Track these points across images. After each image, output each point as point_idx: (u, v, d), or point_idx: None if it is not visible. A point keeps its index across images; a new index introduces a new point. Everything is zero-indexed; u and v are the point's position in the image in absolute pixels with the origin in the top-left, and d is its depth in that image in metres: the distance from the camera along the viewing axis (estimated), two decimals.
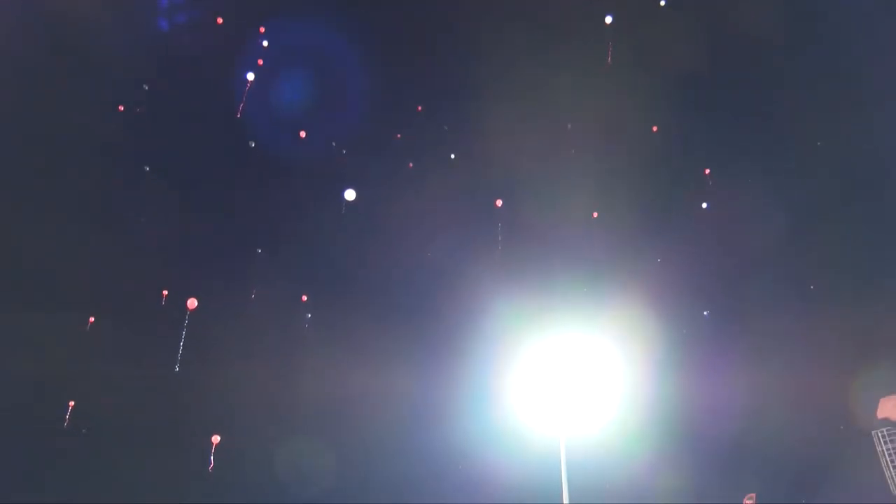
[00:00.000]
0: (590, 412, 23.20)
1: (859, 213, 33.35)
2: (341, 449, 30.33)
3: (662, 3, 33.31)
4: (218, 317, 30.06)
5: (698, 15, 33.40)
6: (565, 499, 21.22)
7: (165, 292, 29.20)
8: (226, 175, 34.60)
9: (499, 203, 33.88)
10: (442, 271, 33.83)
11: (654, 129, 33.45)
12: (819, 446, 29.75)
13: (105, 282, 29.21)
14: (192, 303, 28.51)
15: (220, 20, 31.65)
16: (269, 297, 32.49)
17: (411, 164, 34.94)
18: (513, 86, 34.35)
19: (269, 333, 32.64)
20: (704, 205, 34.01)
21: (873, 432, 29.49)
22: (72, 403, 26.62)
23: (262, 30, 32.42)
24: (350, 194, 31.62)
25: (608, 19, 31.73)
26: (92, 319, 27.86)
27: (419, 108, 35.45)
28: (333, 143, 34.83)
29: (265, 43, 32.33)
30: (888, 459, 28.82)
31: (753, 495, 29.55)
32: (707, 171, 34.32)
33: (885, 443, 29.14)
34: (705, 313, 34.72)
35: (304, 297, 33.36)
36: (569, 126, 34.48)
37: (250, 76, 31.15)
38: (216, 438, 27.82)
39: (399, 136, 35.61)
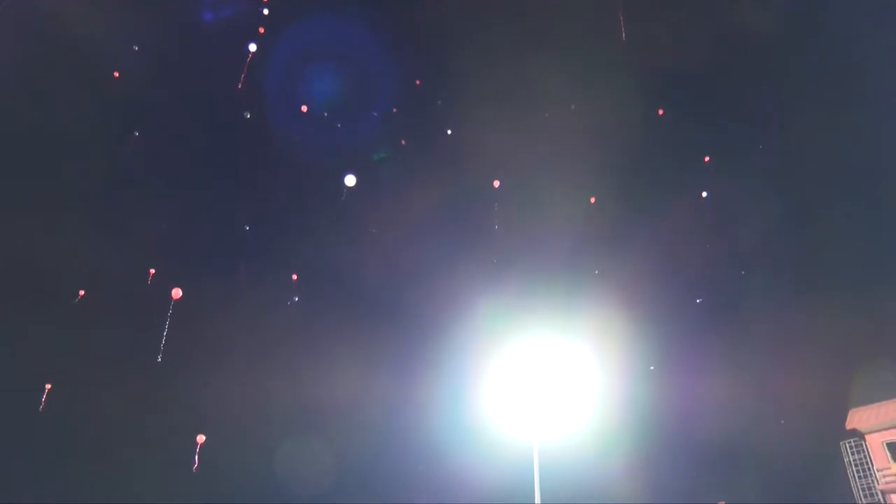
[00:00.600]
0: (563, 415, 23.62)
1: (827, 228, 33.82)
2: (313, 452, 30.37)
3: None
4: (200, 309, 29.84)
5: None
6: (537, 499, 21.65)
7: (153, 271, 28.39)
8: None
9: (496, 184, 32.34)
10: (417, 274, 33.85)
11: (660, 112, 32.78)
12: (791, 455, 30.44)
13: (89, 270, 28.95)
14: (177, 292, 27.66)
15: None
16: (245, 296, 32.39)
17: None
18: (496, 91, 34.25)
19: (239, 340, 32.37)
20: (705, 193, 33.18)
21: (841, 443, 30.14)
22: (48, 386, 25.98)
23: None
24: (350, 180, 29.91)
25: None
26: (81, 293, 27.20)
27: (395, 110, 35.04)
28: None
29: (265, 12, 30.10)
30: (854, 470, 29.47)
31: (723, 503, 30.18)
32: (707, 158, 33.73)
33: (853, 453, 29.79)
34: (698, 300, 34.82)
35: (294, 276, 32.68)
36: (547, 128, 34.28)
37: (252, 47, 29.01)
38: (201, 438, 27.45)
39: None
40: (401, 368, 32.41)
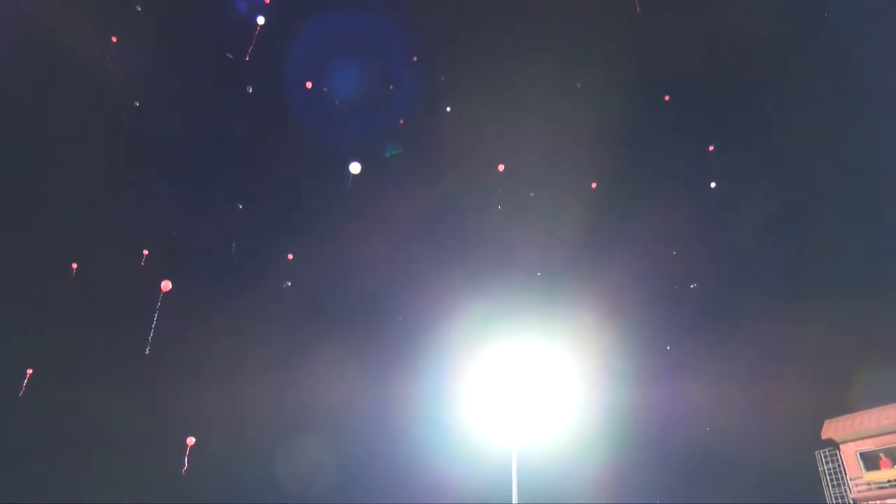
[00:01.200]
0: (542, 419, 24.05)
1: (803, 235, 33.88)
2: (293, 455, 30.47)
3: None
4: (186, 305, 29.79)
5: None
6: (515, 500, 22.07)
7: (146, 252, 28.32)
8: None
9: (501, 168, 32.22)
10: (397, 280, 33.84)
11: (666, 97, 32.64)
12: (766, 463, 30.92)
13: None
14: (166, 285, 27.32)
15: None
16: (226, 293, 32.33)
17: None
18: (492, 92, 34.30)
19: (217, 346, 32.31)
20: (713, 184, 32.83)
21: (816, 452, 30.71)
22: (30, 371, 25.93)
23: None
24: (355, 167, 29.04)
25: None
26: (74, 266, 27.07)
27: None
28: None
29: None
30: (828, 479, 30.04)
31: None
32: (711, 147, 33.30)
33: (827, 463, 30.36)
34: (692, 286, 34.90)
35: (290, 256, 32.46)
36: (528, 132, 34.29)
37: (261, 20, 28.56)
38: (191, 440, 27.60)
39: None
40: (381, 372, 32.57)
